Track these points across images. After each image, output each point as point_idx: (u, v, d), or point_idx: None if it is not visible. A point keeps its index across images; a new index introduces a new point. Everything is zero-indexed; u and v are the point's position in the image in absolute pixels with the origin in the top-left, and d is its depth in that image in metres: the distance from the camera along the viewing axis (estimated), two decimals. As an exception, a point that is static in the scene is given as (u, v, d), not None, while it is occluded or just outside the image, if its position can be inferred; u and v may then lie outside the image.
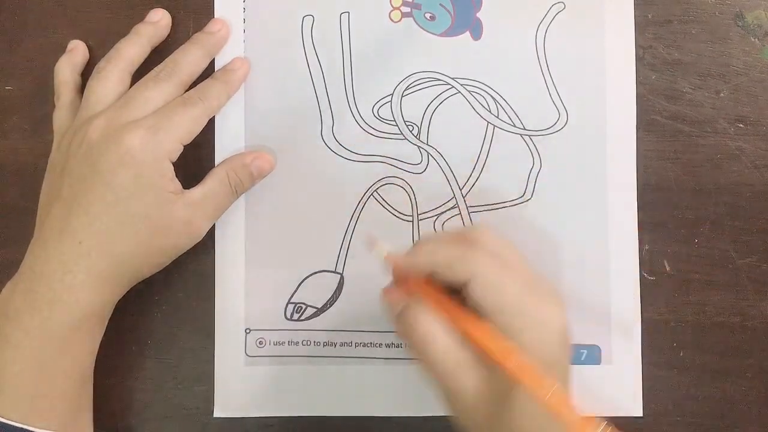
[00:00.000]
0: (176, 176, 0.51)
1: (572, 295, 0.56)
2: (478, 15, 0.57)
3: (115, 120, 0.50)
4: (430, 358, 0.45)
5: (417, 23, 0.57)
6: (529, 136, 0.57)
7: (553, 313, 0.45)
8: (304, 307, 0.56)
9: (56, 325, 0.48)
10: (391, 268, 0.49)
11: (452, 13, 0.57)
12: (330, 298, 0.56)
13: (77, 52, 0.57)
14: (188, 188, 0.52)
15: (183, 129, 0.51)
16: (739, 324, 0.57)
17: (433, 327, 0.45)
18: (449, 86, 0.57)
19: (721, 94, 0.57)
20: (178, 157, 0.51)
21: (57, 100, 0.56)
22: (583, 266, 0.56)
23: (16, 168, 0.58)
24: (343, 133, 0.57)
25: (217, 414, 0.56)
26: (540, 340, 0.44)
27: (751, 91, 0.57)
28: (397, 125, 0.57)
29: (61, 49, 0.57)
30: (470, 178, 0.57)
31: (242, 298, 0.56)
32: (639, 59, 0.57)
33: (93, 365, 0.52)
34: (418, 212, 0.57)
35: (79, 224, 0.49)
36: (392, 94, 0.57)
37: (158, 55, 0.55)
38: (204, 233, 0.53)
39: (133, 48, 0.55)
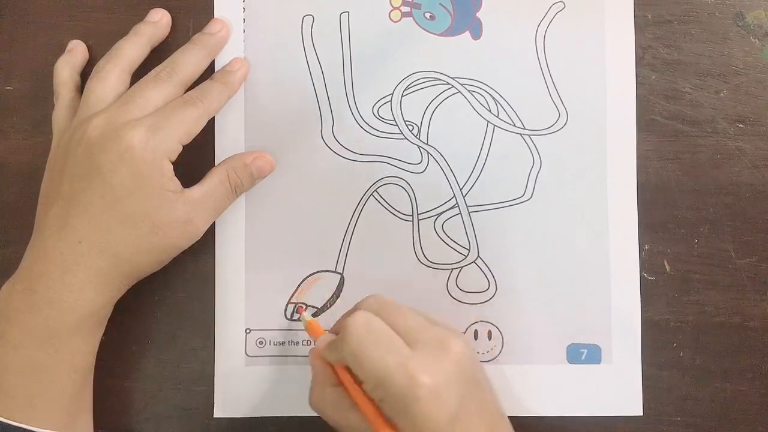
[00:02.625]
0: (176, 176, 0.51)
1: (572, 295, 0.56)
2: (478, 15, 0.57)
3: (114, 119, 0.50)
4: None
5: (417, 23, 0.57)
6: (529, 135, 0.57)
7: (435, 370, 0.45)
8: (304, 307, 0.56)
9: (56, 325, 0.48)
10: (312, 336, 0.53)
11: (452, 12, 0.57)
12: (330, 298, 0.56)
13: (77, 52, 0.57)
14: (188, 188, 0.52)
15: (182, 129, 0.51)
16: (739, 324, 0.57)
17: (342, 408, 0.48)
18: (449, 86, 0.57)
19: (721, 94, 0.57)
20: (178, 157, 0.51)
21: (56, 99, 0.55)
22: (583, 266, 0.56)
23: (16, 168, 0.58)
24: (343, 133, 0.57)
25: (217, 414, 0.56)
26: (430, 411, 0.44)
27: (751, 91, 0.57)
28: (397, 125, 0.57)
29: (61, 49, 0.57)
30: (470, 178, 0.57)
31: (242, 298, 0.56)
32: (639, 59, 0.57)
33: (93, 365, 0.52)
34: (418, 212, 0.57)
35: (78, 223, 0.49)
36: (392, 94, 0.57)
37: (158, 55, 0.56)
38: (203, 232, 0.53)
39: (132, 48, 0.55)
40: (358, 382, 0.47)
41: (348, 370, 0.48)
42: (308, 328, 0.53)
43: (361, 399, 0.47)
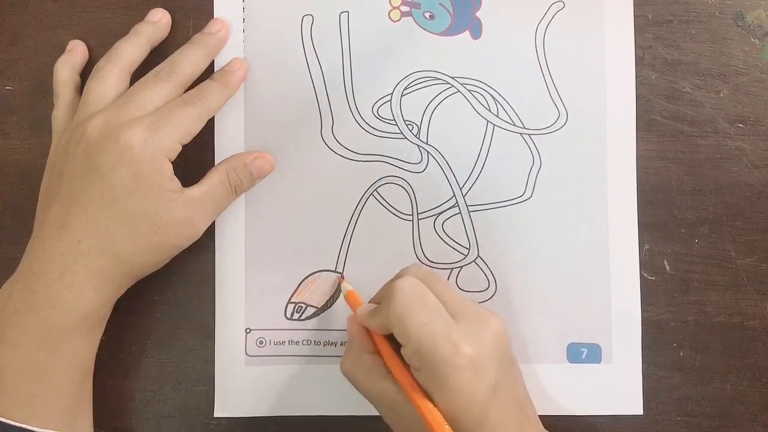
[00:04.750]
0: (176, 176, 0.51)
1: (572, 294, 0.56)
2: (478, 14, 0.57)
3: (114, 119, 0.50)
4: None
5: (416, 22, 0.57)
6: (529, 135, 0.57)
7: (476, 342, 0.46)
8: (304, 306, 0.56)
9: (55, 325, 0.48)
10: (351, 305, 0.53)
11: (452, 12, 0.57)
12: (330, 298, 0.56)
13: (76, 52, 0.57)
14: (188, 187, 0.52)
15: (182, 128, 0.51)
16: (739, 324, 0.57)
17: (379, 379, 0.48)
18: (449, 85, 0.57)
19: (721, 94, 0.57)
20: (178, 157, 0.51)
21: (56, 99, 0.56)
22: (583, 265, 0.56)
23: (16, 168, 0.58)
24: (343, 133, 0.57)
25: (217, 414, 0.56)
26: (469, 382, 0.45)
27: (751, 91, 0.57)
28: (396, 124, 0.57)
29: (61, 49, 0.57)
30: (470, 177, 0.57)
31: (242, 297, 0.56)
32: (639, 59, 0.57)
33: (93, 365, 0.52)
34: (418, 211, 0.57)
35: (78, 223, 0.49)
36: (392, 94, 0.57)
37: (158, 55, 0.56)
38: (202, 232, 0.53)
39: (132, 48, 0.55)
40: (396, 350, 0.47)
41: (387, 338, 0.48)
42: (348, 298, 0.54)
43: (397, 367, 0.47)
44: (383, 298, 0.49)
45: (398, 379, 0.47)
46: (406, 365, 0.47)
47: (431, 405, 0.45)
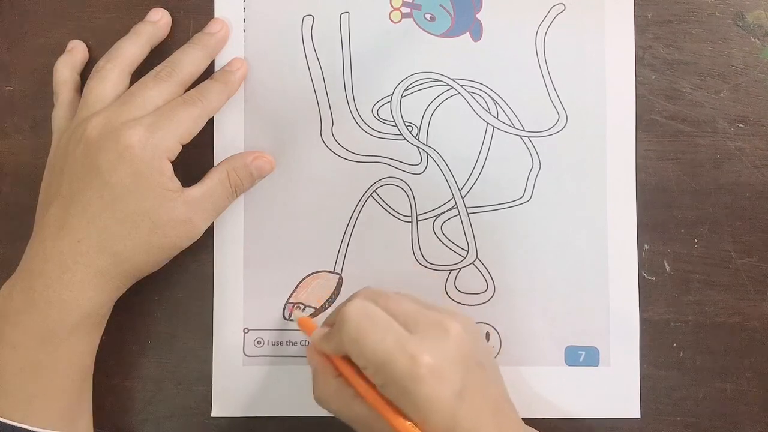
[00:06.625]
0: (176, 176, 0.51)
1: (571, 296, 0.56)
2: (478, 16, 0.57)
3: (114, 118, 0.50)
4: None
5: (417, 24, 0.57)
6: (528, 137, 0.57)
7: (435, 350, 0.45)
8: (302, 307, 0.57)
9: (55, 324, 0.48)
10: (305, 331, 0.53)
11: (452, 14, 0.57)
12: (329, 299, 0.57)
13: (77, 51, 0.57)
14: (188, 187, 0.52)
15: (182, 128, 0.51)
16: (739, 324, 0.57)
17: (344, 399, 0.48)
18: (449, 87, 0.57)
19: (721, 94, 0.57)
20: (178, 157, 0.51)
21: (56, 99, 0.56)
22: (581, 268, 0.56)
23: (16, 168, 0.58)
24: (343, 134, 0.57)
25: (215, 413, 0.56)
26: (433, 390, 0.44)
27: (751, 91, 0.57)
28: (396, 126, 0.57)
29: (61, 49, 0.57)
30: (469, 179, 0.57)
31: (241, 298, 0.56)
32: (639, 59, 0.57)
33: (92, 365, 0.52)
34: (417, 213, 0.57)
35: (77, 222, 0.49)
36: (392, 95, 0.57)
37: (158, 55, 0.56)
38: (202, 232, 0.53)
39: (132, 47, 0.55)
40: (359, 370, 0.47)
41: (347, 360, 0.47)
42: (301, 325, 0.53)
43: (362, 387, 0.46)
44: (335, 321, 0.48)
45: (366, 398, 0.46)
46: (372, 384, 0.46)
47: (403, 419, 0.44)
